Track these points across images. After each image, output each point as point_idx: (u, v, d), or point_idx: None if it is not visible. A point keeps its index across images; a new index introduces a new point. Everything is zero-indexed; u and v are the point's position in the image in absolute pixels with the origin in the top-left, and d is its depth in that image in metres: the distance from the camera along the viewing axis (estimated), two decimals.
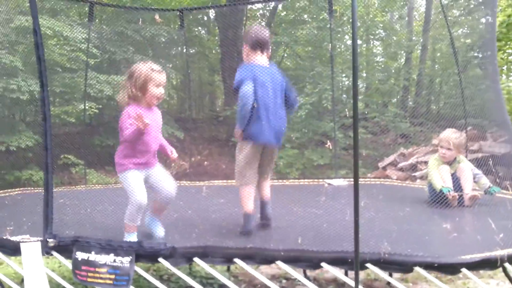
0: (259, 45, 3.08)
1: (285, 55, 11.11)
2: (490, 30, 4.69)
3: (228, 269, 3.55)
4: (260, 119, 2.97)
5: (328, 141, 8.14)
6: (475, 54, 7.42)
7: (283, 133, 3.13)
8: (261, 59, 3.10)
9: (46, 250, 2.65)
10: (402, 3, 11.28)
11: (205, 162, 9.61)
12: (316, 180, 5.45)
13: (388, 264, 2.34)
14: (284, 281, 3.47)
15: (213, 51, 12.52)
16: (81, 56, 7.30)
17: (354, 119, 2.13)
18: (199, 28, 12.59)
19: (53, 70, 7.26)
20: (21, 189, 4.84)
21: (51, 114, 5.53)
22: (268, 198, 3.18)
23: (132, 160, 2.80)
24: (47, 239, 2.65)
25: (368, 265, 2.36)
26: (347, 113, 8.18)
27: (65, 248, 2.64)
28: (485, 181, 3.91)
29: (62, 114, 7.21)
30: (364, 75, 11.74)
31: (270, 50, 3.19)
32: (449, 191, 3.70)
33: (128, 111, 2.76)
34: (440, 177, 3.86)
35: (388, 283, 3.27)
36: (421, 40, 11.71)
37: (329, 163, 8.60)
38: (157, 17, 5.75)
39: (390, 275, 3.14)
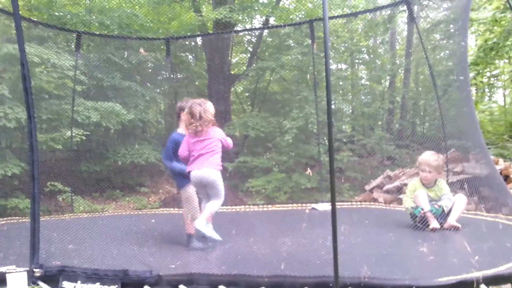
0: None
1: (272, 79, 11.28)
2: (463, 57, 4.88)
3: None
4: None
5: (308, 168, 8.21)
6: (455, 77, 7.60)
7: None
8: None
9: (33, 280, 2.67)
10: (384, 28, 11.55)
11: None
12: (303, 204, 5.52)
13: None
14: None
15: (201, 76, 12.66)
16: (68, 83, 7.34)
17: (329, 149, 2.22)
18: (187, 54, 12.73)
19: (40, 97, 7.29)
20: (7, 218, 4.82)
21: (38, 141, 5.50)
22: None
23: None
24: (34, 269, 2.67)
25: None
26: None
27: (52, 278, 2.66)
28: (445, 203, 3.97)
29: (49, 141, 7.21)
30: (350, 98, 11.93)
31: None
32: (420, 210, 3.81)
33: None
34: (411, 201, 3.98)
35: None
36: (404, 63, 11.98)
37: (317, 186, 8.66)
38: (141, 50, 5.86)
39: None
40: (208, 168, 3.54)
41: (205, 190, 3.63)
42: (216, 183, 3.55)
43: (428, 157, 4.08)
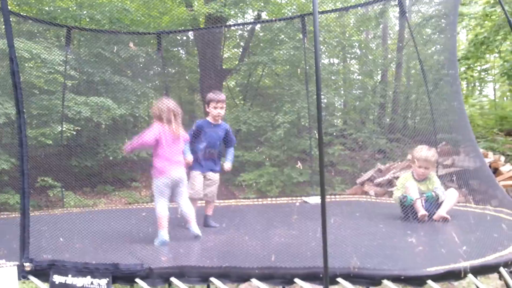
0: None
1: (264, 74, 11.27)
2: (452, 51, 4.92)
3: None
4: None
5: (298, 161, 8.23)
6: (446, 72, 7.62)
7: None
8: None
9: (23, 275, 2.66)
10: (376, 22, 11.56)
11: None
12: (294, 198, 5.54)
13: (358, 278, 2.42)
14: None
15: (192, 71, 12.61)
16: (58, 78, 7.28)
17: (319, 142, 2.23)
18: (178, 48, 12.67)
19: (30, 92, 7.23)
20: None
21: (28, 136, 5.43)
22: None
23: None
24: (24, 264, 2.66)
25: (339, 279, 2.44)
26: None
27: (42, 272, 2.66)
28: (439, 192, 4.01)
29: (40, 136, 7.15)
30: (342, 92, 11.96)
31: None
32: (410, 200, 3.86)
33: None
34: (401, 193, 4.02)
35: None
36: (395, 58, 12.02)
37: (309, 180, 8.69)
38: (131, 44, 5.82)
39: None
40: (184, 170, 3.74)
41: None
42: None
43: (426, 153, 4.06)
